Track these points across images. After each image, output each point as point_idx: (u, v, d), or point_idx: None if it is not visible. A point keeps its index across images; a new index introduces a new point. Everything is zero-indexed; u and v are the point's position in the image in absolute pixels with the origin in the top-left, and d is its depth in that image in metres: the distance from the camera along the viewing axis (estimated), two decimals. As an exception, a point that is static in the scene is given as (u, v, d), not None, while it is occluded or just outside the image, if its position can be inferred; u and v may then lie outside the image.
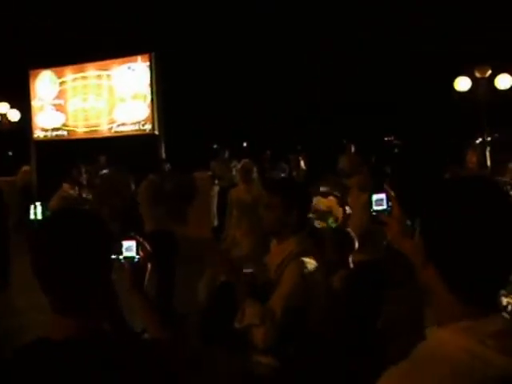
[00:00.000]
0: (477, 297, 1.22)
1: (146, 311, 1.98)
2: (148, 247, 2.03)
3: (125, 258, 2.03)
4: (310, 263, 2.93)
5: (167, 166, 6.71)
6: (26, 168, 14.37)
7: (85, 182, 6.14)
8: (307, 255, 2.96)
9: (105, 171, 9.67)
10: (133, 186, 6.91)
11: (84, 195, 6.10)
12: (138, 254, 1.99)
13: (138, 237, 2.05)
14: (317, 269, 2.95)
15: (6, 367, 1.56)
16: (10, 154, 18.41)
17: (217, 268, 3.02)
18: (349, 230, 4.00)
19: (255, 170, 7.30)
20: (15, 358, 1.58)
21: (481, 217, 1.20)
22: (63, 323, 1.60)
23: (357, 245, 3.78)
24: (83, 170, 6.18)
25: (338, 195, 4.88)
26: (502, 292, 1.26)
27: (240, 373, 2.78)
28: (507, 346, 1.15)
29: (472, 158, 10.72)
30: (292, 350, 2.74)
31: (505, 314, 1.22)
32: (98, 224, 1.60)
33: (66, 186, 6.05)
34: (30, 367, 1.53)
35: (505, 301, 1.26)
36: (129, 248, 2.02)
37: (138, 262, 2.00)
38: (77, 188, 6.05)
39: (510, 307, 1.24)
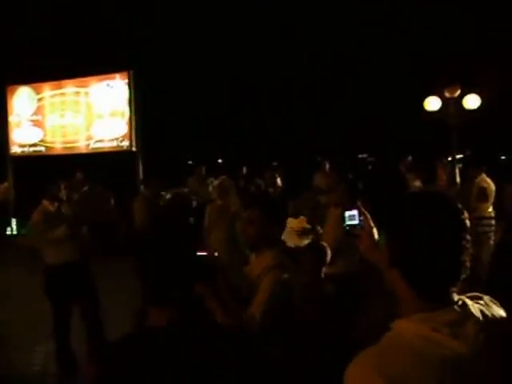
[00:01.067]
0: (432, 293, 1.45)
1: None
2: (368, 216, 2.16)
3: (348, 225, 2.22)
4: (285, 274, 3.16)
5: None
6: (5, 185, 14.33)
7: (64, 198, 6.14)
8: (283, 269, 3.19)
9: (85, 188, 9.77)
10: (112, 202, 7.03)
11: (63, 211, 6.13)
12: (359, 221, 2.17)
13: (359, 206, 2.20)
14: (291, 279, 3.18)
15: (122, 348, 1.95)
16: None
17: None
18: (323, 243, 4.22)
19: (232, 186, 7.46)
20: (129, 341, 1.96)
21: (432, 227, 1.45)
22: (164, 312, 1.97)
23: (329, 258, 4.00)
24: (62, 185, 6.19)
25: (307, 215, 5.13)
26: (454, 289, 1.49)
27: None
28: (458, 332, 1.38)
29: (442, 176, 11.08)
30: (269, 349, 2.95)
31: (456, 307, 1.44)
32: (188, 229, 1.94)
33: (45, 202, 5.99)
34: (146, 348, 1.90)
35: (456, 297, 1.50)
36: (351, 217, 2.22)
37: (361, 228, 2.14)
38: (56, 204, 6.05)
39: (460, 302, 1.49)
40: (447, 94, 11.72)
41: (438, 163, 11.12)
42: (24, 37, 18.29)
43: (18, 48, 18.04)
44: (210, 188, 12.38)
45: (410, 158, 12.00)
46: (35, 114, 14.19)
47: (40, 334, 7.08)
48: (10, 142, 14.62)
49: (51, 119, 13.98)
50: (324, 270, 4.37)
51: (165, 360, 1.84)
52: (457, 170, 11.49)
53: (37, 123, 14.18)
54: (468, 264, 1.49)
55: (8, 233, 14.84)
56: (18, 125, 14.47)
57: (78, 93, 13.60)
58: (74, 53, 17.42)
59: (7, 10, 18.11)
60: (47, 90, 14.11)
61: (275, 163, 15.97)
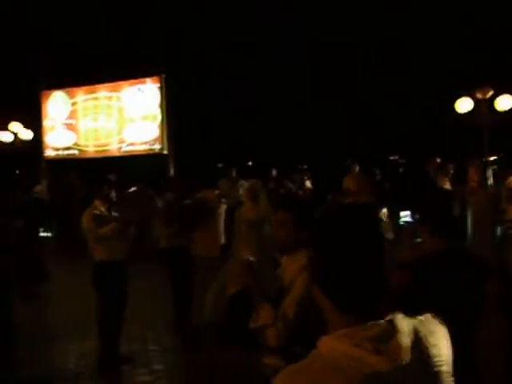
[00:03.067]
0: (353, 309, 1.43)
1: None
2: None
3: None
4: None
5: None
6: (39, 187, 14.55)
7: (114, 199, 6.23)
8: None
9: (133, 188, 9.91)
10: (157, 202, 7.09)
11: (113, 213, 6.23)
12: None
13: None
14: None
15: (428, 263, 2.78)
16: (17, 172, 18.63)
17: (230, 278, 3.28)
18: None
19: (262, 189, 7.50)
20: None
21: (349, 242, 1.46)
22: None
23: None
24: (113, 187, 6.29)
25: None
26: (379, 304, 1.47)
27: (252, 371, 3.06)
28: (381, 348, 1.36)
29: (473, 177, 10.95)
30: (300, 349, 2.99)
31: (381, 322, 1.40)
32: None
33: (97, 202, 6.10)
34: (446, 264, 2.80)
35: (385, 313, 1.44)
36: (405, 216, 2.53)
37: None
38: (107, 205, 6.16)
39: (388, 317, 1.43)
40: (479, 95, 11.61)
41: (469, 164, 11.01)
42: (58, 43, 18.65)
43: (53, 54, 18.40)
44: (241, 191, 12.47)
45: (438, 159, 11.90)
46: (69, 117, 14.48)
47: (74, 333, 7.24)
48: (44, 145, 14.92)
49: (84, 123, 14.25)
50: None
51: (461, 273, 2.85)
52: (490, 172, 11.37)
53: (70, 127, 14.47)
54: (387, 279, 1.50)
55: (43, 234, 15.12)
56: (52, 128, 14.78)
57: (110, 97, 13.84)
58: (106, 58, 17.70)
59: (42, 17, 18.49)
60: (81, 95, 14.39)
61: (305, 166, 15.96)
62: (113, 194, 6.16)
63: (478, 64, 15.53)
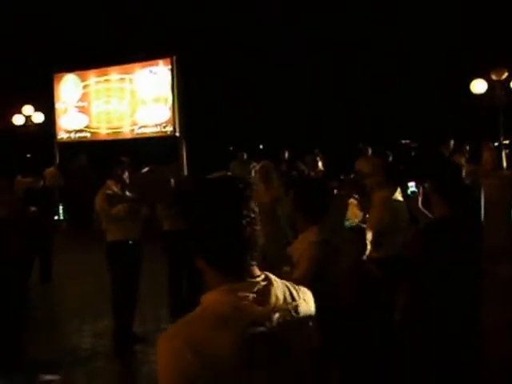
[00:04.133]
0: (230, 268, 1.57)
1: None
2: None
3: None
4: (329, 251, 3.20)
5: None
6: (51, 169, 14.53)
7: (127, 180, 6.22)
8: (326, 244, 3.23)
9: (146, 169, 9.92)
10: (172, 183, 7.06)
11: (127, 193, 6.22)
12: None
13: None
14: (334, 247, 3.23)
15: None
16: (28, 156, 18.70)
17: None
18: (364, 227, 4.26)
19: (274, 171, 7.46)
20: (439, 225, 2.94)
21: (213, 207, 1.58)
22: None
23: (369, 244, 4.05)
24: (126, 168, 6.29)
25: (358, 198, 5.17)
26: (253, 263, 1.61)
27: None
28: (262, 300, 1.53)
29: (488, 159, 10.84)
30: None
31: (259, 279, 1.58)
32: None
33: (110, 182, 6.09)
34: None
35: (258, 272, 1.60)
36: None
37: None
38: (120, 186, 6.16)
39: (263, 275, 1.60)
40: (494, 77, 11.49)
41: (483, 146, 10.91)
42: (69, 26, 18.62)
43: (64, 37, 18.38)
44: (253, 173, 12.44)
45: (452, 141, 11.83)
46: (81, 100, 14.47)
47: (88, 313, 7.29)
48: (57, 128, 14.94)
49: (96, 105, 14.24)
50: (367, 253, 4.38)
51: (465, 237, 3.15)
52: (503, 155, 11.28)
53: (82, 109, 14.47)
54: (258, 239, 1.62)
55: (56, 218, 15.18)
56: (65, 111, 14.79)
57: (122, 79, 13.81)
58: (117, 40, 17.65)
59: (54, 0, 18.46)
60: (92, 77, 14.36)
61: (316, 149, 15.91)
62: (126, 175, 6.15)
63: (492, 45, 15.34)
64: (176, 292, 6.92)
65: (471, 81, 11.69)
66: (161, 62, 13.21)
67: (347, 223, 5.43)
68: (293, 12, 19.63)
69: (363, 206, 5.04)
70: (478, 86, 11.58)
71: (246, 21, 19.69)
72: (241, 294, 1.52)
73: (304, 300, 1.69)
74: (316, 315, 1.73)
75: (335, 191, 8.54)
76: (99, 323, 6.82)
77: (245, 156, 13.73)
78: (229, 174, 13.35)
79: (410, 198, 3.74)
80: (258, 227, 1.61)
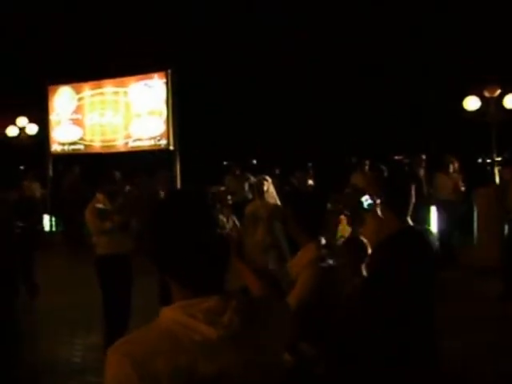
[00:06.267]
0: (191, 284, 1.55)
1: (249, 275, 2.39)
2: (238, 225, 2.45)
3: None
4: (328, 268, 3.18)
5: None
6: (27, 182, 14.23)
7: (117, 192, 6.26)
8: (325, 260, 3.21)
9: (136, 182, 9.88)
10: (162, 195, 7.10)
11: (116, 206, 6.24)
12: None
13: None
14: (333, 271, 3.20)
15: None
16: (22, 168, 18.66)
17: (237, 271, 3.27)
18: (362, 238, 4.25)
19: (271, 185, 7.47)
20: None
21: (177, 223, 1.56)
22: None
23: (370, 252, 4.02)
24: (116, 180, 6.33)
25: (348, 214, 5.19)
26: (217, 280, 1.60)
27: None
28: (211, 318, 1.49)
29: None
30: (307, 347, 2.96)
31: (217, 297, 1.52)
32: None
33: (99, 196, 6.14)
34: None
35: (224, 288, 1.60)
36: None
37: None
38: (109, 199, 6.18)
39: (225, 292, 1.59)
40: (487, 94, 11.57)
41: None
42: (65, 38, 18.67)
43: (59, 49, 18.42)
44: (246, 187, 12.45)
45: (423, 156, 11.89)
46: (75, 112, 14.46)
47: (78, 327, 7.23)
48: (51, 140, 14.92)
49: (91, 118, 14.23)
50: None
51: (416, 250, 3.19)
52: (496, 171, 11.34)
53: (77, 122, 14.45)
54: (228, 257, 1.61)
55: (47, 229, 15.15)
56: (59, 123, 14.77)
57: (116, 92, 13.81)
58: (113, 53, 17.70)
59: (49, 12, 18.51)
60: (87, 90, 14.36)
61: (310, 164, 15.94)
62: (115, 189, 6.22)
63: (486, 63, 15.47)
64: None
65: (464, 98, 11.76)
66: (156, 75, 13.23)
67: (339, 239, 5.45)
68: (286, 26, 19.76)
69: (354, 221, 5.06)
70: (471, 103, 11.65)
71: (241, 36, 19.80)
72: (191, 310, 1.50)
73: (268, 322, 1.64)
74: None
75: (328, 205, 8.56)
76: (91, 337, 6.77)
77: (237, 171, 13.76)
78: (222, 188, 13.40)
79: (367, 211, 3.81)
80: (225, 243, 1.60)
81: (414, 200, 3.41)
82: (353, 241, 4.35)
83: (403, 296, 3.21)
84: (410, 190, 3.40)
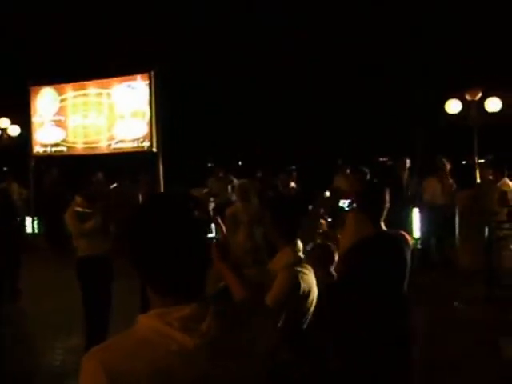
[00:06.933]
0: (169, 291, 1.53)
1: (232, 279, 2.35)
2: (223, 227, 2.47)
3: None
4: (303, 272, 3.20)
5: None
6: (3, 185, 14.06)
7: (95, 195, 6.35)
8: (300, 264, 3.24)
9: (115, 185, 9.86)
10: (140, 199, 7.14)
11: (97, 207, 6.30)
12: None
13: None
14: (308, 276, 3.23)
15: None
16: (5, 169, 18.54)
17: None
18: (329, 244, 4.34)
19: (253, 189, 7.50)
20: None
21: (156, 229, 1.52)
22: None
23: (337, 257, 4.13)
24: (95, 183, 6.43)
25: (329, 219, 5.27)
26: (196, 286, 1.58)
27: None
28: (188, 326, 1.47)
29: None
30: (287, 356, 2.97)
31: (195, 304, 1.50)
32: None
33: (78, 198, 6.23)
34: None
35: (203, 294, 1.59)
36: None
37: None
38: (87, 199, 6.25)
39: (204, 299, 1.59)
40: (468, 97, 11.67)
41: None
42: (47, 39, 18.54)
43: (42, 49, 18.29)
44: (229, 189, 12.46)
45: (408, 159, 11.84)
46: (58, 114, 14.35)
47: (60, 330, 7.19)
48: (33, 141, 14.80)
49: (73, 120, 14.13)
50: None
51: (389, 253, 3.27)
52: (477, 174, 11.43)
53: (59, 123, 14.34)
54: (208, 264, 1.60)
55: (29, 231, 15.05)
56: (41, 125, 14.65)
57: (100, 94, 13.73)
58: (95, 54, 17.62)
59: (32, 13, 18.38)
60: (70, 91, 14.26)
61: (293, 167, 15.99)
62: (94, 191, 6.30)
63: (467, 65, 15.60)
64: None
65: (446, 100, 11.85)
66: (139, 76, 13.17)
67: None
68: (286, 26, 19.77)
69: (334, 224, 5.14)
70: (453, 106, 11.74)
71: (225, 36, 19.79)
72: (167, 318, 1.48)
73: (248, 331, 1.63)
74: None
75: (310, 207, 8.61)
76: (72, 340, 6.73)
77: (221, 173, 13.75)
78: (205, 190, 13.38)
79: (345, 211, 4.13)
80: (206, 248, 1.59)
81: (388, 205, 3.46)
82: (320, 247, 4.45)
83: (372, 299, 3.26)
84: (384, 197, 3.46)
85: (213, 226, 2.31)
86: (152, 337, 1.47)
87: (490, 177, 10.42)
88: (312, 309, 3.24)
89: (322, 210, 4.41)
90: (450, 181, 10.81)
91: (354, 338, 3.30)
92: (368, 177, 10.74)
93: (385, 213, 3.48)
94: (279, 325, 2.86)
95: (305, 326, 3.20)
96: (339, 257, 3.58)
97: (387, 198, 3.47)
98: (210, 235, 2.26)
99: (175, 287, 1.53)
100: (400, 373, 3.32)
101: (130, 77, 13.31)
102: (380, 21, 18.91)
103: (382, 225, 3.48)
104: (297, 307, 3.14)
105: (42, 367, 6.18)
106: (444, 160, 10.85)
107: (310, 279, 3.26)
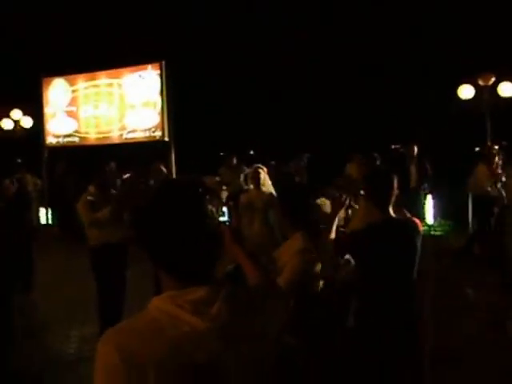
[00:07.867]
0: (182, 274, 1.55)
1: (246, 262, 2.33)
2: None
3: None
4: (313, 257, 3.22)
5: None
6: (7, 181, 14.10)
7: (109, 185, 6.36)
8: (309, 252, 3.25)
9: (128, 174, 9.86)
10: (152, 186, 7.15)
11: (111, 195, 6.32)
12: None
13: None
14: (315, 263, 3.25)
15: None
16: (19, 160, 18.64)
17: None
18: (345, 230, 4.32)
19: (266, 175, 7.46)
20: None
21: (168, 215, 1.55)
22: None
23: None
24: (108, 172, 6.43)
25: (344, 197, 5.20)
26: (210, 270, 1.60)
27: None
28: (201, 309, 1.49)
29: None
30: (293, 341, 2.99)
31: (207, 287, 1.52)
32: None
33: (91, 188, 6.24)
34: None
35: (215, 278, 1.62)
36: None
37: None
38: (101, 189, 6.27)
39: (216, 282, 1.60)
40: (481, 82, 11.56)
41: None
42: (59, 30, 18.58)
43: (53, 41, 18.33)
44: (242, 178, 12.46)
45: (415, 146, 11.63)
46: (70, 105, 14.42)
47: (75, 319, 7.25)
48: (46, 132, 14.89)
49: (85, 110, 14.20)
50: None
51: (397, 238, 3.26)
52: (497, 160, 11.26)
53: (71, 114, 14.41)
54: (219, 248, 1.63)
55: (43, 222, 15.15)
56: (53, 116, 14.74)
57: (111, 84, 13.78)
58: (107, 45, 17.63)
59: (43, 4, 18.41)
60: (81, 82, 14.32)
61: (307, 155, 15.94)
62: (107, 181, 6.30)
63: (480, 50, 15.45)
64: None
65: (458, 86, 11.75)
66: (150, 66, 13.19)
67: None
68: (286, 26, 19.71)
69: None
70: (465, 92, 11.65)
71: (236, 26, 19.73)
72: (179, 301, 1.50)
73: (260, 314, 1.64)
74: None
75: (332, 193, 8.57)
76: (86, 328, 6.79)
77: (234, 161, 13.73)
78: (217, 178, 13.38)
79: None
80: (217, 234, 1.61)
81: (396, 191, 3.45)
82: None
83: (378, 283, 3.28)
84: (390, 183, 3.45)
85: (225, 209, 2.29)
86: (161, 318, 1.50)
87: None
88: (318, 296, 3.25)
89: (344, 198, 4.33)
90: (499, 170, 10.03)
91: (361, 323, 3.32)
92: (378, 162, 10.67)
93: (393, 199, 3.46)
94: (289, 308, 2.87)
95: (312, 309, 3.22)
96: (345, 242, 3.56)
97: (395, 184, 3.45)
98: (222, 218, 2.29)
99: (187, 270, 1.55)
100: (408, 358, 3.32)
101: (141, 66, 13.34)
102: (389, 6, 18.77)
103: (391, 211, 3.46)
104: (306, 291, 3.16)
105: (58, 355, 6.23)
106: (494, 148, 10.09)
107: (318, 266, 3.28)
